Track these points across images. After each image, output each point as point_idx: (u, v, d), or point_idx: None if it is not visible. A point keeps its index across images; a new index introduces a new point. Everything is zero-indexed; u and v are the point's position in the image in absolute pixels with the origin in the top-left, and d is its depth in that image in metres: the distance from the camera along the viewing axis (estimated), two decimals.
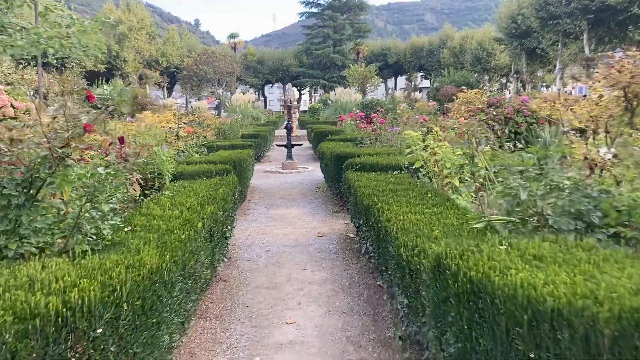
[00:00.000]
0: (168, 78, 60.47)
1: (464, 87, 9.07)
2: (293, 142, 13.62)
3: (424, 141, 5.06)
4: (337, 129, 15.69)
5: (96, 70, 48.19)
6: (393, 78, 70.62)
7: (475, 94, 8.90)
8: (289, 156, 13.38)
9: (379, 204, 3.87)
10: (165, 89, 65.08)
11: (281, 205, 8.54)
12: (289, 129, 13.63)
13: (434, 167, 4.88)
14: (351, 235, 6.23)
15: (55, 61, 32.66)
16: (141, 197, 5.30)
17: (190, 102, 54.19)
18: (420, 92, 63.99)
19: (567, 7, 29.85)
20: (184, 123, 9.89)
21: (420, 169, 5.20)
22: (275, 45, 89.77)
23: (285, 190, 10.07)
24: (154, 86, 64.46)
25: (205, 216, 3.64)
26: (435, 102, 32.14)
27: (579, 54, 32.66)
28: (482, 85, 43.40)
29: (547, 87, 51.67)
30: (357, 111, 18.04)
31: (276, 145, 14.35)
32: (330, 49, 61.24)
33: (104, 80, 36.91)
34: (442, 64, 60.11)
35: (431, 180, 5.38)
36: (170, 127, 8.62)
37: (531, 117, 8.58)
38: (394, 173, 5.53)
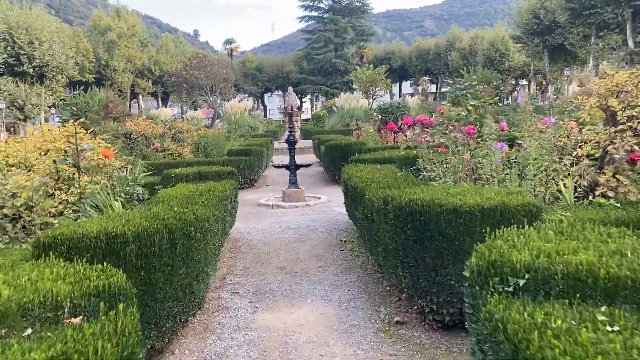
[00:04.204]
0: (162, 88, 57.03)
1: (607, 70, 5.33)
2: (299, 162, 9.61)
3: None
4: (355, 142, 11.70)
5: (84, 80, 44.62)
6: (397, 83, 67.10)
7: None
8: (293, 182, 9.36)
9: None
10: (159, 99, 61.62)
11: (280, 292, 4.49)
12: (291, 143, 9.61)
13: None
14: None
15: (32, 70, 28.31)
16: None
17: (186, 112, 50.60)
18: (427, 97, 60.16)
19: None
20: (106, 141, 5.85)
21: None
22: (274, 54, 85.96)
23: (287, 247, 6.03)
24: (148, 96, 60.98)
25: None
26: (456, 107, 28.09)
27: (623, 47, 28.63)
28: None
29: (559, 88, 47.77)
30: (379, 116, 14.16)
31: (274, 166, 10.36)
32: (332, 54, 57.70)
33: (81, 89, 33.31)
34: (451, 67, 56.81)
35: None
36: (66, 150, 4.67)
37: None
38: None
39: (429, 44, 65.14)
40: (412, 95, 55.56)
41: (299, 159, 11.03)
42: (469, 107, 4.79)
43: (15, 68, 36.32)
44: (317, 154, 15.94)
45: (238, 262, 5.49)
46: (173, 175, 6.38)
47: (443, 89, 67.31)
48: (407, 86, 71.87)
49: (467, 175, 4.83)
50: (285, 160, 11.41)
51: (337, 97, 34.21)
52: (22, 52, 35.95)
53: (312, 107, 65.91)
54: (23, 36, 36.15)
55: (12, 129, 37.93)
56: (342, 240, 6.23)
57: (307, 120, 43.75)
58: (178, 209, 3.53)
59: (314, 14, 61.79)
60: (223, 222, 4.80)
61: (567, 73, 37.97)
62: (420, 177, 5.15)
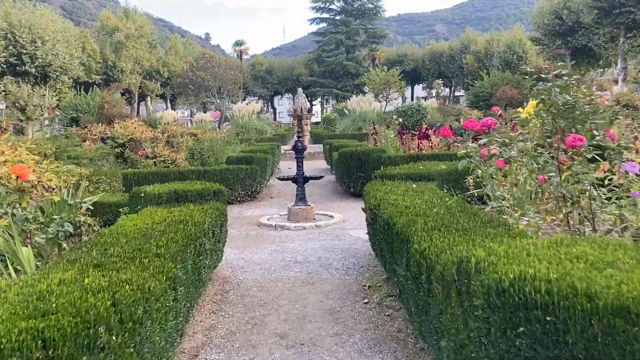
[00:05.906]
0: (171, 90, 55.99)
1: None
2: (308, 173, 8.05)
3: None
4: (373, 148, 10.12)
5: (91, 81, 43.48)
6: (410, 87, 65.56)
7: None
8: (301, 197, 7.80)
9: None
10: (168, 101, 60.64)
11: None
12: (299, 151, 8.05)
13: None
14: None
15: (34, 70, 26.85)
16: None
17: (194, 114, 49.58)
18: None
19: None
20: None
21: None
22: (285, 58, 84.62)
23: (290, 294, 4.49)
24: (156, 98, 59.96)
25: None
26: (476, 110, 26.35)
27: None
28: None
29: None
30: (399, 119, 12.64)
31: (279, 178, 8.81)
32: (343, 56, 56.31)
33: (82, 90, 32.24)
34: (465, 70, 55.10)
35: None
36: None
37: None
38: None
39: (442, 46, 63.81)
40: (425, 98, 54.03)
41: (308, 167, 9.52)
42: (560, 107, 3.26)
43: (17, 68, 35.17)
44: (328, 161, 14.43)
45: (221, 322, 3.94)
46: (142, 194, 4.89)
47: (457, 93, 65.65)
48: (419, 90, 70.43)
49: (557, 207, 3.25)
50: (293, 167, 9.91)
51: (348, 100, 32.75)
52: (24, 51, 34.79)
53: (322, 110, 64.57)
54: (25, 35, 34.98)
55: (15, 129, 36.77)
56: (365, 286, 4.66)
57: (317, 123, 42.35)
58: (92, 280, 2.00)
59: (326, 15, 60.53)
60: (195, 273, 3.27)
61: (593, 76, 36.09)
62: (488, 207, 3.57)
